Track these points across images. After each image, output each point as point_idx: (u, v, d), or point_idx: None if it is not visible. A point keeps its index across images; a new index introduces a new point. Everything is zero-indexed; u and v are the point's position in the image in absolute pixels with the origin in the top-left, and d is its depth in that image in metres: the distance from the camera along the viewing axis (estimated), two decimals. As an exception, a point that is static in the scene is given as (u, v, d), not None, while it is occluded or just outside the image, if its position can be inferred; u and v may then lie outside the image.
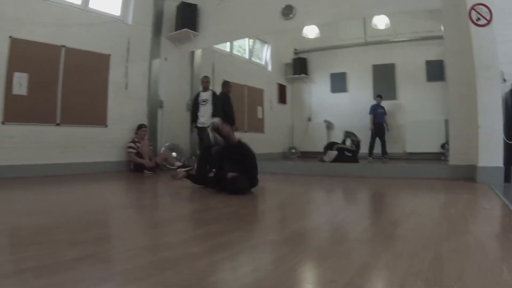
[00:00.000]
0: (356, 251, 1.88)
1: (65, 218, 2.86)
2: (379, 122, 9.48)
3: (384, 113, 9.53)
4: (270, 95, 11.19)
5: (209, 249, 1.97)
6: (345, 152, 8.34)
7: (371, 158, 9.10)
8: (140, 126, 7.70)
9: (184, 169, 6.96)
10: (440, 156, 8.70)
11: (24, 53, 6.33)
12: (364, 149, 9.13)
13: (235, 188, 4.08)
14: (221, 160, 4.56)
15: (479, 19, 5.06)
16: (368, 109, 9.43)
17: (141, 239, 2.28)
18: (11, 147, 6.17)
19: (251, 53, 10.87)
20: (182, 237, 2.23)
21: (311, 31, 9.68)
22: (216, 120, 4.77)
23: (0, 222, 2.70)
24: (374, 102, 9.54)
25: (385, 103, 9.59)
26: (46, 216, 2.94)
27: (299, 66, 11.59)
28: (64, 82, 6.88)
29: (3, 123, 6.09)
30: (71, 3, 7.15)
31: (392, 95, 10.09)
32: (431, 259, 1.67)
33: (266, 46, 11.40)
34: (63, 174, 6.60)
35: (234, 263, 1.72)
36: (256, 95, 10.71)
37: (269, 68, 11.45)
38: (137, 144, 7.58)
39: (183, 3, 8.50)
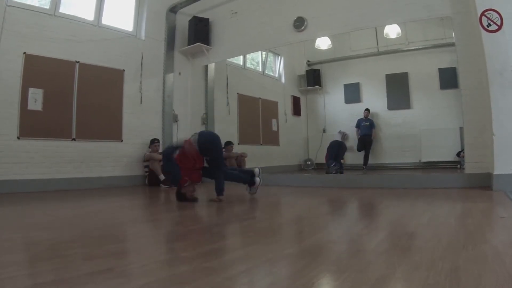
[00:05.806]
0: (373, 263, 1.88)
1: (81, 233, 2.91)
2: (363, 135, 9.71)
3: (371, 126, 9.72)
4: (285, 107, 11.24)
5: (226, 263, 1.99)
6: None
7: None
8: (153, 141, 7.75)
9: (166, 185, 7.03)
10: (456, 164, 8.63)
11: (38, 69, 6.48)
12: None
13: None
14: None
15: (490, 25, 5.04)
16: (381, 119, 9.53)
17: (158, 253, 2.31)
18: (26, 161, 6.31)
19: (264, 65, 10.94)
20: (199, 251, 2.25)
21: (323, 43, 9.75)
22: None
23: (16, 236, 2.76)
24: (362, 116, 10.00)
25: (399, 112, 9.61)
26: (62, 231, 3.00)
27: (313, 77, 11.64)
28: (79, 98, 7.02)
29: (18, 138, 6.22)
30: (84, 19, 7.33)
31: (406, 104, 10.08)
32: (448, 270, 1.67)
33: (279, 58, 11.49)
34: (78, 188, 6.73)
35: (251, 277, 1.74)
36: (270, 107, 10.78)
37: (283, 80, 11.52)
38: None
39: (195, 17, 8.62)
